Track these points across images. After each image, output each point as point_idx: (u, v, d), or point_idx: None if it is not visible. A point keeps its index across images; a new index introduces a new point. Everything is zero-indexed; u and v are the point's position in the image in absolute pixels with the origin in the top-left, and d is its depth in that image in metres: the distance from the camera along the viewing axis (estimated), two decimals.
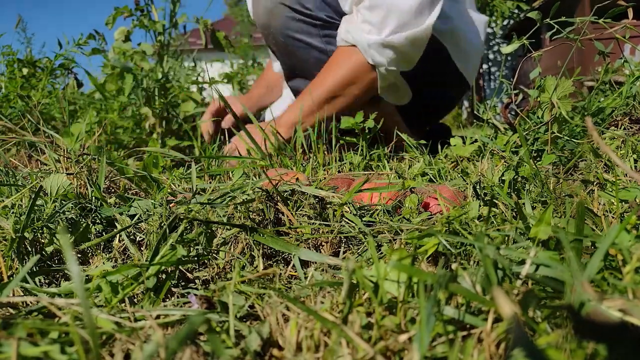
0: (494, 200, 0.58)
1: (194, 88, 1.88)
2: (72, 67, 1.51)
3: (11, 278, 0.48)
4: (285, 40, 1.18)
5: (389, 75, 1.11)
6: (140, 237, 0.57)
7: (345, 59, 1.10)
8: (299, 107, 1.11)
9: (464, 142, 0.93)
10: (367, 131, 1.01)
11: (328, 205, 0.57)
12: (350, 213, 0.57)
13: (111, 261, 0.54)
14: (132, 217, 0.60)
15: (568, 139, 0.82)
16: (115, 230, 0.55)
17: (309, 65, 1.19)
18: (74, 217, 0.59)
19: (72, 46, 1.43)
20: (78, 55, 1.53)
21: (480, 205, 0.54)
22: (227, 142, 1.19)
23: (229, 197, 0.57)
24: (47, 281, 0.51)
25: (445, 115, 1.52)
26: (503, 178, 0.69)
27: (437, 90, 1.31)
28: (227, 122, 1.38)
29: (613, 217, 0.52)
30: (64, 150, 0.72)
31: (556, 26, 0.86)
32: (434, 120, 1.49)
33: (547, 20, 0.85)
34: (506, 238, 0.44)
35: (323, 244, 0.54)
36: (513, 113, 1.03)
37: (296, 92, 1.31)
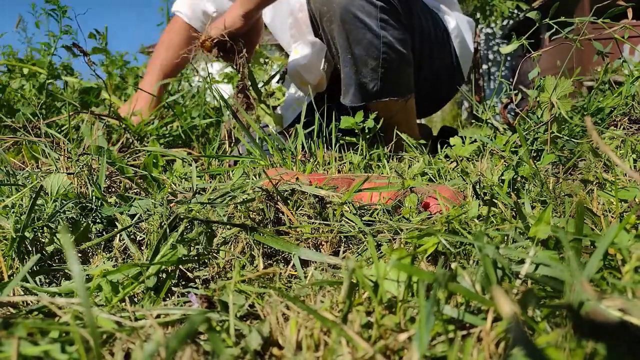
0: (494, 199, 0.58)
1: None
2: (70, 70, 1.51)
3: (12, 277, 0.48)
4: (345, 18, 1.09)
5: None
6: (140, 236, 0.57)
7: None
8: None
9: (464, 142, 0.93)
10: (367, 131, 1.01)
11: (328, 205, 0.57)
12: (350, 212, 0.57)
13: (112, 260, 0.54)
14: (132, 216, 0.60)
15: (567, 138, 0.82)
16: (115, 229, 0.55)
17: (361, 48, 1.12)
18: (74, 216, 0.59)
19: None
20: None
21: (479, 205, 0.54)
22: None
23: (229, 196, 0.57)
24: (47, 280, 0.51)
25: (441, 107, 1.56)
26: (502, 178, 0.69)
27: (438, 79, 1.36)
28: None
29: (612, 217, 0.52)
30: (64, 150, 0.72)
31: (555, 26, 0.86)
32: (429, 112, 1.55)
33: (546, 20, 0.85)
34: (506, 237, 0.44)
35: (323, 243, 0.54)
36: (512, 113, 1.03)
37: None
